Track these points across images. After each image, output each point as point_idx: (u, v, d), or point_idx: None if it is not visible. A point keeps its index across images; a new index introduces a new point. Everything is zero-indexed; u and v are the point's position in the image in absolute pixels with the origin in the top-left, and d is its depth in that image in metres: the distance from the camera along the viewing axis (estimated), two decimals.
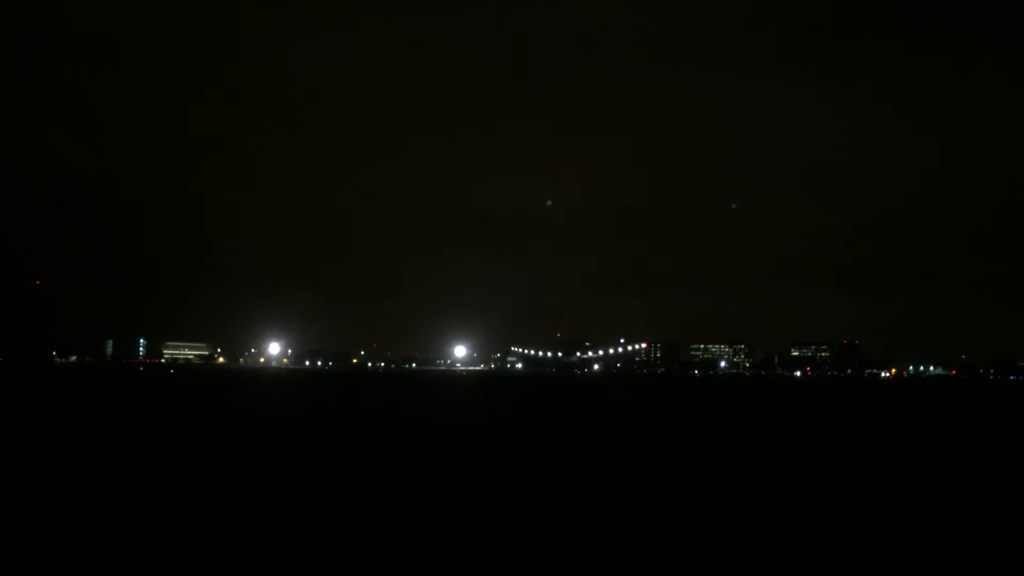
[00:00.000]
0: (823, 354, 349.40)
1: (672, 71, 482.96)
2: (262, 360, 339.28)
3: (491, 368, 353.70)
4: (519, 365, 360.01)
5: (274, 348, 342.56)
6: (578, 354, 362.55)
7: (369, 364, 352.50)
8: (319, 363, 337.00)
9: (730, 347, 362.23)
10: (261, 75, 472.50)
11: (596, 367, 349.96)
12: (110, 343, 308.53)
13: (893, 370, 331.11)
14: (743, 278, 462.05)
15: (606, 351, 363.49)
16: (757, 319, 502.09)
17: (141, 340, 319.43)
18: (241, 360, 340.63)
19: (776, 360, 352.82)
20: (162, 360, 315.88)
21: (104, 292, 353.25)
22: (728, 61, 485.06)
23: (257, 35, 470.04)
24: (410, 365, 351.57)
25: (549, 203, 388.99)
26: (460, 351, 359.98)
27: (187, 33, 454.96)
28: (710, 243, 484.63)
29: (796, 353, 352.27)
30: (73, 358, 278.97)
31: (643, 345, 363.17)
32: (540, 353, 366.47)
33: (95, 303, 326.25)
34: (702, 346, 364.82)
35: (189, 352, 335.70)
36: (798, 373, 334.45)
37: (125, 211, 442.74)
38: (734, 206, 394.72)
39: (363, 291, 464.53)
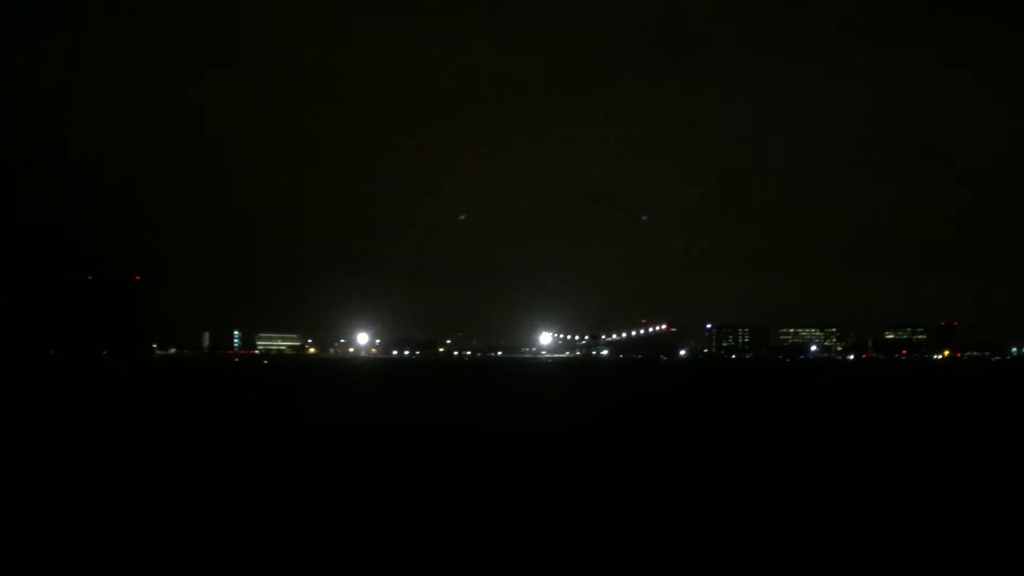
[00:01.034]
0: (919, 337, 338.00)
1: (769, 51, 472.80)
2: (351, 350, 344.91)
3: (577, 355, 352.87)
4: (605, 352, 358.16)
5: (362, 338, 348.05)
6: (603, 336, 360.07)
7: (456, 352, 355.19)
8: (406, 352, 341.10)
9: (821, 331, 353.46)
10: (370, 73, 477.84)
11: (673, 352, 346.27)
12: (206, 335, 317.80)
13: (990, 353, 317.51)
14: (837, 259, 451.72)
15: (630, 333, 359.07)
16: (849, 301, 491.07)
17: (235, 332, 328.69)
18: (331, 350, 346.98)
19: (870, 343, 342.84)
20: (255, 351, 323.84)
21: (200, 285, 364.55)
22: (831, 44, 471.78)
23: (381, 35, 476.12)
24: (496, 353, 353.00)
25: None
26: (546, 338, 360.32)
27: (298, 42, 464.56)
28: (805, 224, 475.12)
29: (891, 336, 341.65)
30: (172, 350, 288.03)
31: (663, 327, 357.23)
32: (570, 337, 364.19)
33: (192, 296, 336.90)
34: (791, 330, 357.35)
35: (281, 343, 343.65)
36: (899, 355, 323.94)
37: (222, 207, 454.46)
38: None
39: (450, 280, 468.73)
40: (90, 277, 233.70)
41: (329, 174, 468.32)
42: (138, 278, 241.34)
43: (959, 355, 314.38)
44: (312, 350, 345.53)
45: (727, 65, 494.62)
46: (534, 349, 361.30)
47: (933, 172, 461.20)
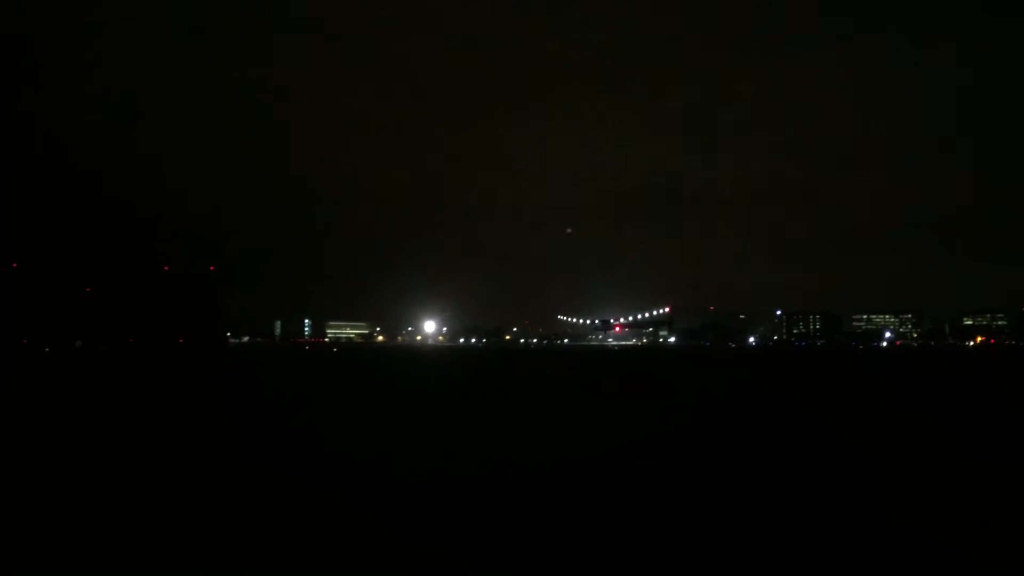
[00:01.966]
0: (1000, 323, 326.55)
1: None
2: (419, 338, 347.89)
3: (643, 343, 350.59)
4: (672, 338, 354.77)
5: (430, 326, 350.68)
6: (611, 320, 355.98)
7: (522, 340, 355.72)
8: (473, 340, 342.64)
9: (896, 317, 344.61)
10: (448, 67, 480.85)
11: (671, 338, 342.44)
12: (278, 324, 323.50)
13: None
14: (913, 245, 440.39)
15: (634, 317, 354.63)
16: (925, 287, 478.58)
17: (306, 320, 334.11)
18: (399, 338, 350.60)
19: (947, 330, 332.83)
20: (325, 339, 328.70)
21: (273, 275, 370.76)
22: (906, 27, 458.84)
23: (457, 34, 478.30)
24: (562, 341, 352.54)
25: (569, 231, 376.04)
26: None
27: (382, 39, 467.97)
28: (879, 210, 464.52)
29: (969, 322, 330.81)
30: (245, 338, 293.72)
31: (666, 309, 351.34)
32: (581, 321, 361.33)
33: (265, 286, 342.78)
34: (865, 316, 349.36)
35: (351, 331, 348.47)
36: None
37: (292, 199, 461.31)
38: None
39: (517, 269, 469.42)
40: (167, 268, 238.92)
41: (400, 166, 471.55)
42: (212, 269, 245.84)
43: None
44: (380, 338, 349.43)
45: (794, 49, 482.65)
46: (600, 337, 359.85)
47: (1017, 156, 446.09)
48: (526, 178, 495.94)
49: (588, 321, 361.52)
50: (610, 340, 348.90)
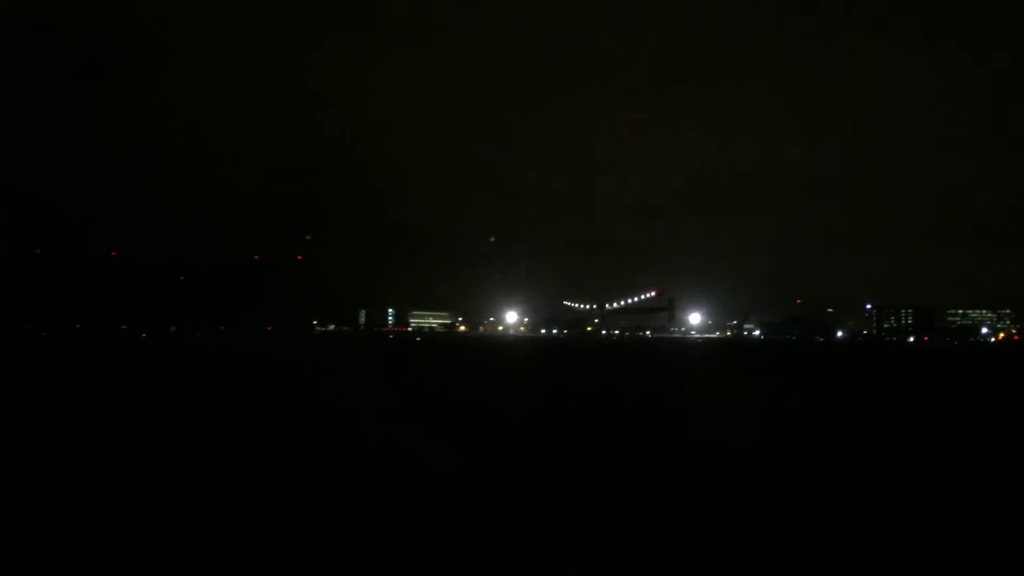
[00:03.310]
0: None
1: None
2: (500, 328, 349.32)
3: (727, 335, 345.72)
4: (757, 332, 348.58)
5: (511, 316, 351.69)
6: (609, 305, 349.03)
7: (603, 332, 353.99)
8: (554, 331, 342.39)
9: (993, 312, 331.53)
10: (522, 59, 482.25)
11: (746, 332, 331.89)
12: (363, 312, 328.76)
13: None
14: (1010, 236, 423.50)
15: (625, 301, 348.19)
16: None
17: (390, 309, 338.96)
18: (481, 328, 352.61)
19: None
20: (408, 328, 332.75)
21: (357, 264, 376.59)
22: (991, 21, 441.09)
23: (554, 38, 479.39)
24: (644, 332, 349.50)
25: (492, 239, 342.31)
26: (695, 318, 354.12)
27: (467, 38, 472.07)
28: (972, 200, 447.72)
29: None
30: (331, 326, 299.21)
31: (652, 294, 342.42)
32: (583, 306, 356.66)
33: (349, 274, 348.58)
34: (960, 311, 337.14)
35: (433, 321, 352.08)
36: None
37: (379, 188, 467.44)
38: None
39: (600, 259, 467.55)
40: (256, 257, 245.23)
41: (483, 157, 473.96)
42: (300, 258, 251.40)
43: None
44: (462, 328, 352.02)
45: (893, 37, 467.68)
46: (683, 329, 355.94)
47: None
48: (608, 169, 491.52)
49: (588, 306, 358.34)
50: (690, 331, 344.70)
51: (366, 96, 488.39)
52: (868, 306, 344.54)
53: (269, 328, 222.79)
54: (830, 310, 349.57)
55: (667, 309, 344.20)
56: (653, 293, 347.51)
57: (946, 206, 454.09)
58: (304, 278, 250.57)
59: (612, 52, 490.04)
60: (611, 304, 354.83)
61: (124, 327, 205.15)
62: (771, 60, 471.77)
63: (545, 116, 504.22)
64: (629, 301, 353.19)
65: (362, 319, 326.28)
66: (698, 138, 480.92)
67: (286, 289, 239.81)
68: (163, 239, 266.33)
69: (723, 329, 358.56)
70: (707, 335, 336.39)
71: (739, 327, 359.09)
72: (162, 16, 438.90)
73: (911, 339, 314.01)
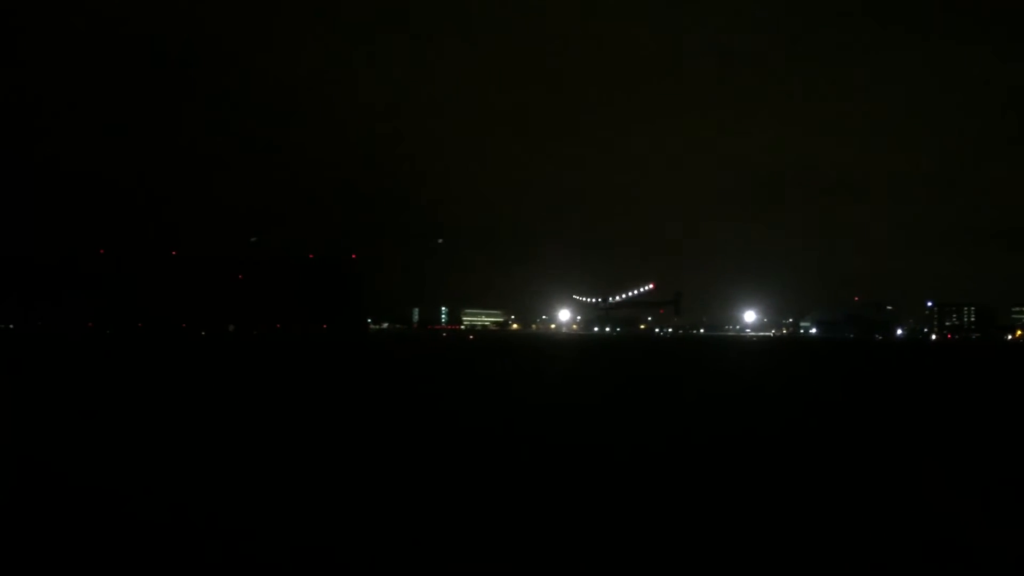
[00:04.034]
0: None
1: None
2: (552, 326, 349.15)
3: (783, 333, 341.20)
4: (813, 330, 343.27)
5: (564, 314, 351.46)
6: (611, 299, 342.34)
7: (656, 330, 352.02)
8: (607, 328, 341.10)
9: None
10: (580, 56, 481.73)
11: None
12: (416, 311, 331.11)
13: None
14: None
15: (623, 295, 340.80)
16: None
17: (443, 308, 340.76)
18: (533, 326, 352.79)
19: None
20: (461, 326, 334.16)
21: (411, 263, 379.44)
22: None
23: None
24: (698, 331, 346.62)
25: (440, 240, 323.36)
26: (750, 316, 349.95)
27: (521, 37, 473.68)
28: None
29: None
30: (385, 324, 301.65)
31: (650, 287, 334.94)
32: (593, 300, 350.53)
33: (403, 273, 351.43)
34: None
35: (485, 319, 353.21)
36: None
37: (431, 188, 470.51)
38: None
39: (650, 257, 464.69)
40: (311, 256, 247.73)
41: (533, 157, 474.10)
42: (354, 256, 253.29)
43: None
44: (515, 326, 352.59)
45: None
46: (738, 327, 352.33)
47: None
48: (659, 165, 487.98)
49: (592, 300, 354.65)
50: (744, 329, 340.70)
51: (418, 94, 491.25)
52: (929, 304, 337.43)
53: (324, 327, 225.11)
54: (889, 308, 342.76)
55: (674, 303, 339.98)
56: (651, 286, 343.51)
57: (1008, 204, 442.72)
58: (359, 277, 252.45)
59: (675, 45, 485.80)
60: (613, 298, 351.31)
61: (184, 325, 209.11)
62: (840, 56, 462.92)
63: (603, 111, 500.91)
64: (629, 295, 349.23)
65: (415, 317, 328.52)
66: (762, 134, 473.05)
67: (341, 287, 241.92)
68: (221, 239, 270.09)
69: (778, 327, 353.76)
70: (761, 333, 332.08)
71: (795, 325, 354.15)
72: (224, 18, 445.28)
73: (975, 336, 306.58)
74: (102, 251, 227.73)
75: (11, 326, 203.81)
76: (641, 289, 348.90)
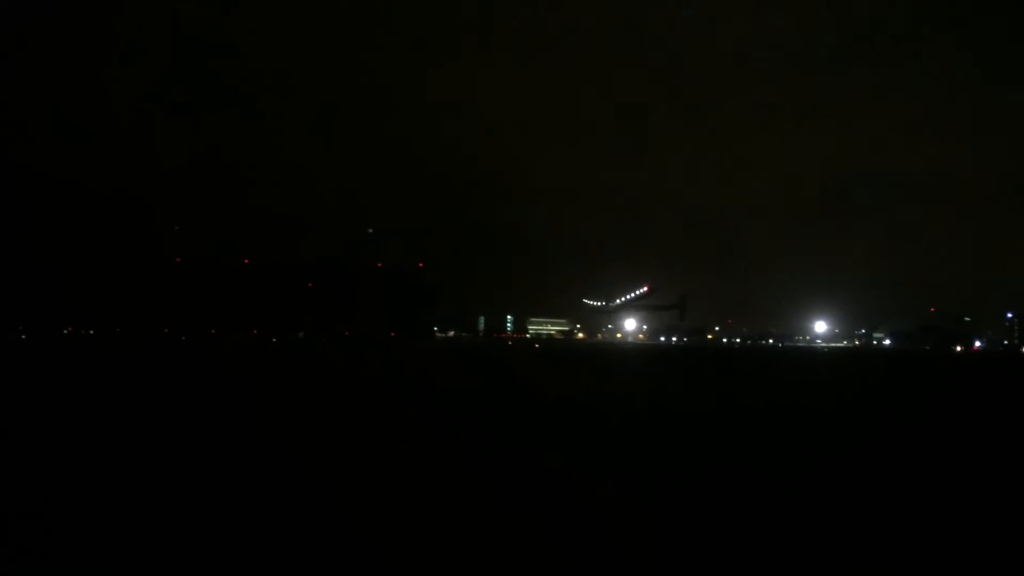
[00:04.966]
0: None
1: None
2: (619, 336, 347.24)
3: (855, 344, 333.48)
4: (887, 341, 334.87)
5: (630, 324, 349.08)
6: (617, 300, 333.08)
7: (724, 340, 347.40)
8: (674, 339, 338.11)
9: None
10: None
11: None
12: (482, 319, 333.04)
13: None
14: None
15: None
16: None
17: (508, 316, 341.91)
18: (599, 335, 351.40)
19: None
20: (527, 335, 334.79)
21: (478, 271, 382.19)
22: None
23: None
24: (766, 341, 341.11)
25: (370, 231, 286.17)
26: (820, 326, 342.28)
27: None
28: None
29: None
30: (451, 332, 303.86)
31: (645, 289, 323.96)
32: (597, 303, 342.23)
33: (470, 282, 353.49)
34: None
35: (551, 327, 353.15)
36: None
37: (504, 200, 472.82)
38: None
39: (720, 265, 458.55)
40: (379, 264, 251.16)
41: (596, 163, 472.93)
42: (421, 265, 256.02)
43: None
44: (580, 335, 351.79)
45: None
46: (808, 337, 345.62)
47: None
48: (742, 165, 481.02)
49: (599, 303, 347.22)
50: (815, 340, 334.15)
51: (485, 102, 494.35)
52: (1009, 315, 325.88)
53: (392, 335, 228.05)
54: (967, 319, 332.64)
55: (679, 307, 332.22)
56: (645, 288, 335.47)
57: None
58: (426, 285, 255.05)
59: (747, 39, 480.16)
60: (617, 299, 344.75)
61: (255, 332, 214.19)
62: (905, 62, 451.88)
63: (674, 119, 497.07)
64: (628, 297, 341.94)
65: (481, 325, 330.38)
66: (832, 138, 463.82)
67: (409, 296, 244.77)
68: (291, 248, 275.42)
69: (851, 338, 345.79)
70: (832, 344, 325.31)
71: (868, 336, 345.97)
72: (281, 30, 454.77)
73: None
74: (179, 260, 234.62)
75: (91, 332, 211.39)
76: (635, 292, 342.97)
